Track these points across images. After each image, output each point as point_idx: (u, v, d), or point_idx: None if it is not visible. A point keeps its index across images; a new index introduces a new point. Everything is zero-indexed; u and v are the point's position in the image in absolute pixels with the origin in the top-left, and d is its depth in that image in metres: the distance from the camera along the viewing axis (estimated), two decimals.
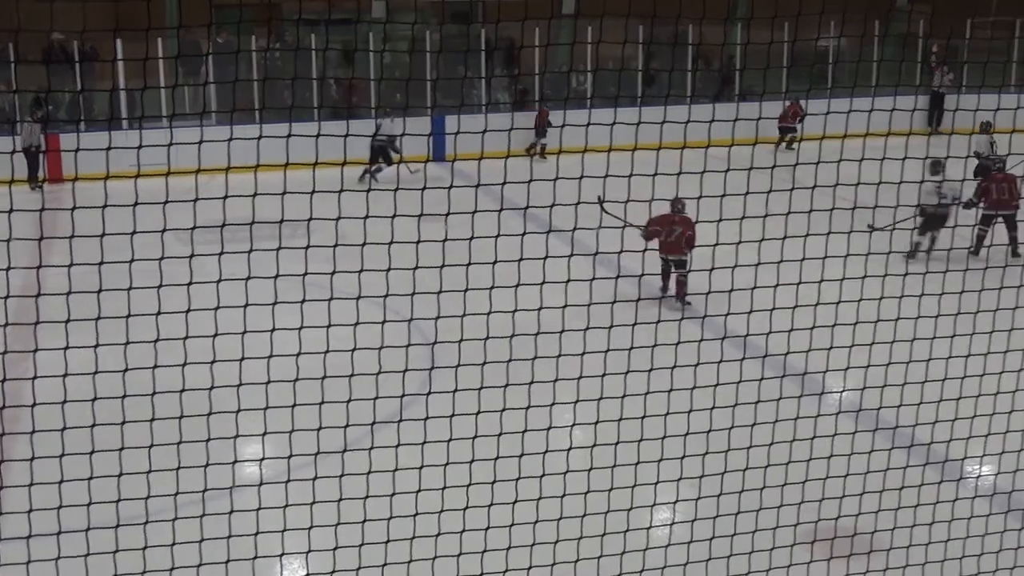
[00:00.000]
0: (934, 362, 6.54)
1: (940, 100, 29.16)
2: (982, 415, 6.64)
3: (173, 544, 5.33)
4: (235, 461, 5.86)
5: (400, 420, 5.83)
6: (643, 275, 6.16)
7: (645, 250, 6.18)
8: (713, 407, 6.13)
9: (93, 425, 5.13)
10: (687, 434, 6.15)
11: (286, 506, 5.41)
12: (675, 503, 7.03)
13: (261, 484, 5.58)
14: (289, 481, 5.56)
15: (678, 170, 5.97)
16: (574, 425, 6.18)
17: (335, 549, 5.48)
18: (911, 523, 6.50)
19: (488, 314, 5.80)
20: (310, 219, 5.40)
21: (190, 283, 5.11)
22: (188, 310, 5.15)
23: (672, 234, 14.49)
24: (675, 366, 6.07)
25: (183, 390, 5.41)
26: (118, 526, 5.28)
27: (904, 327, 6.45)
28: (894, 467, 6.61)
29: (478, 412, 5.63)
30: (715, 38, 22.81)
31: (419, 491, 5.58)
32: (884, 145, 6.20)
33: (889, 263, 6.34)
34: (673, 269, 14.72)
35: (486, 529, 5.66)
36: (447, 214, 5.39)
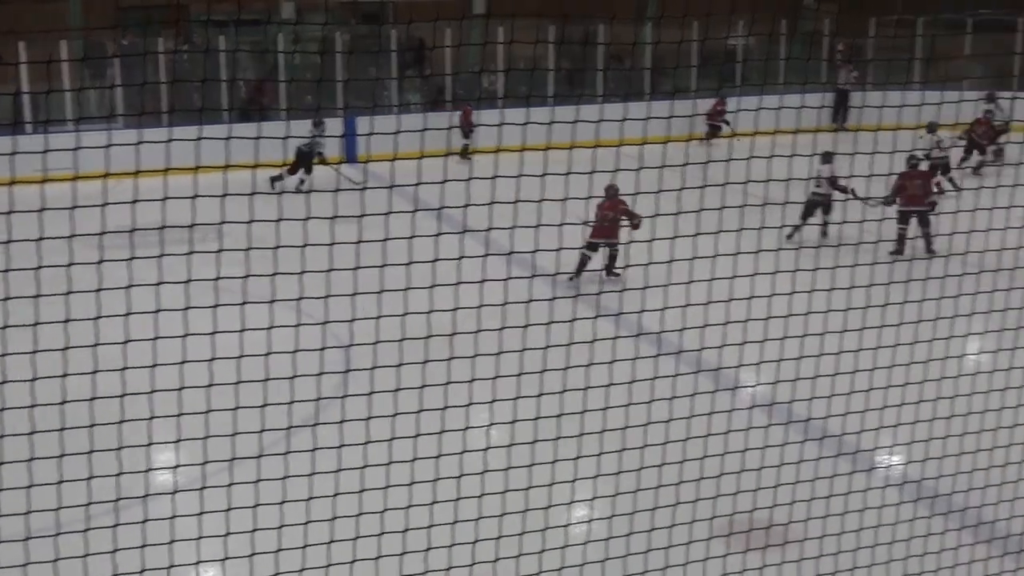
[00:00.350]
0: (844, 355, 6.65)
1: (845, 97, 29.66)
2: (891, 406, 6.76)
3: (86, 555, 5.23)
4: (148, 469, 5.78)
5: (316, 424, 5.80)
6: (558, 274, 6.17)
7: (560, 249, 6.20)
8: (629, 404, 6.17)
9: (1, 436, 5.02)
10: (603, 431, 6.18)
11: (201, 513, 5.34)
12: (593, 500, 7.06)
13: (175, 492, 5.49)
14: (204, 488, 5.49)
15: (591, 168, 6.00)
16: (491, 425, 6.18)
17: (252, 555, 5.42)
18: (824, 513, 6.61)
19: (404, 315, 5.79)
20: (222, 222, 5.34)
21: (99, 289, 5.02)
22: (97, 316, 5.06)
23: (606, 219, 15.33)
24: (591, 364, 6.10)
25: (94, 398, 5.32)
26: (28, 539, 5.18)
27: (815, 321, 6.55)
28: (807, 459, 6.71)
29: (395, 414, 5.61)
30: (626, 37, 22.99)
31: (336, 495, 5.54)
32: (793, 142, 6.29)
33: (799, 258, 6.43)
34: (603, 247, 15.57)
35: (404, 531, 5.65)
36: (361, 216, 5.36)
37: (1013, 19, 28.26)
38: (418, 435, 5.74)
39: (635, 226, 14.27)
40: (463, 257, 5.65)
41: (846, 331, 6.63)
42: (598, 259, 15.47)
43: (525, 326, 5.94)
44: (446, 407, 5.82)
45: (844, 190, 16.26)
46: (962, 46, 25.89)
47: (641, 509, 6.24)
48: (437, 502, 5.71)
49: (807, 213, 17.52)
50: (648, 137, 6.39)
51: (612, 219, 15.23)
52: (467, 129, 24.87)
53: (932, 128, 21.17)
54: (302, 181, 21.21)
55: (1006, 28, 28.53)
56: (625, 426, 6.19)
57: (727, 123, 26.81)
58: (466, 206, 5.56)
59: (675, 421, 6.29)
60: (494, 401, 5.97)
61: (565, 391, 6.09)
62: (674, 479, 6.29)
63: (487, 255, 5.91)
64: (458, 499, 5.79)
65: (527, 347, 6.00)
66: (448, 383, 5.74)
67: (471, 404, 6.04)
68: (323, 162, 20.92)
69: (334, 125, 22.65)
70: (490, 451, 6.01)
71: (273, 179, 20.20)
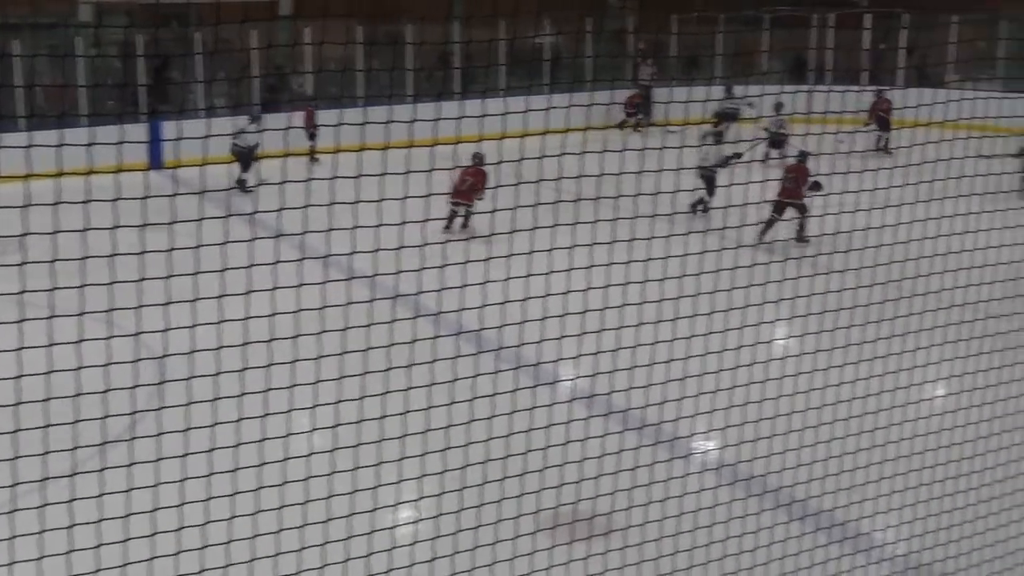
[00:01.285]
0: (659, 345, 6.80)
1: (647, 93, 30.34)
2: (706, 392, 6.95)
3: None
4: None
5: (132, 438, 5.64)
6: (376, 275, 6.13)
7: (378, 250, 6.17)
8: (452, 402, 6.18)
9: None
10: (427, 431, 6.18)
11: (13, 537, 5.15)
12: (419, 500, 7.05)
13: None
14: (15, 511, 5.29)
15: (405, 169, 5.99)
16: (313, 430, 6.12)
17: None
18: (646, 501, 6.75)
19: (219, 323, 5.68)
20: (25, 234, 5.14)
21: None
22: None
23: (464, 183, 17.73)
24: (412, 364, 6.10)
25: None
26: None
27: (630, 312, 6.68)
28: (627, 448, 6.85)
29: (214, 424, 5.50)
30: (436, 37, 23.03)
31: (156, 510, 5.41)
32: (603, 138, 6.40)
33: (613, 252, 6.54)
34: (460, 212, 18.12)
35: (227, 543, 5.54)
36: (171, 223, 5.25)
37: (808, 15, 29.38)
38: (239, 444, 5.65)
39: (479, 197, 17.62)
40: (279, 262, 5.58)
41: (660, 321, 6.78)
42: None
43: (344, 329, 5.90)
44: (266, 414, 5.73)
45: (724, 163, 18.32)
46: (760, 42, 26.76)
47: (467, 507, 6.27)
48: (261, 511, 5.62)
49: (706, 185, 19.14)
50: (462, 136, 6.41)
51: (470, 184, 17.58)
52: (311, 131, 24.42)
53: (778, 108, 22.25)
54: (244, 180, 20.42)
55: (802, 23, 29.64)
56: (448, 424, 6.21)
57: (646, 113, 27.51)
58: (280, 210, 5.50)
59: (498, 417, 6.34)
60: (316, 406, 5.92)
61: (387, 392, 6.08)
62: (498, 475, 6.33)
63: (303, 259, 5.85)
64: (282, 507, 5.71)
65: (347, 350, 5.96)
66: (268, 390, 5.66)
67: (292, 410, 5.97)
68: (258, 157, 20.17)
69: (139, 131, 22.04)
70: (313, 457, 5.95)
71: (239, 185, 19.42)
